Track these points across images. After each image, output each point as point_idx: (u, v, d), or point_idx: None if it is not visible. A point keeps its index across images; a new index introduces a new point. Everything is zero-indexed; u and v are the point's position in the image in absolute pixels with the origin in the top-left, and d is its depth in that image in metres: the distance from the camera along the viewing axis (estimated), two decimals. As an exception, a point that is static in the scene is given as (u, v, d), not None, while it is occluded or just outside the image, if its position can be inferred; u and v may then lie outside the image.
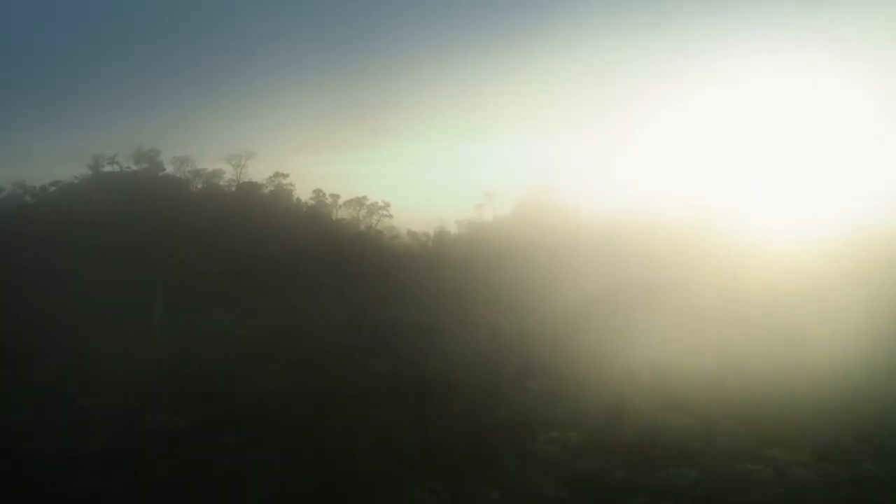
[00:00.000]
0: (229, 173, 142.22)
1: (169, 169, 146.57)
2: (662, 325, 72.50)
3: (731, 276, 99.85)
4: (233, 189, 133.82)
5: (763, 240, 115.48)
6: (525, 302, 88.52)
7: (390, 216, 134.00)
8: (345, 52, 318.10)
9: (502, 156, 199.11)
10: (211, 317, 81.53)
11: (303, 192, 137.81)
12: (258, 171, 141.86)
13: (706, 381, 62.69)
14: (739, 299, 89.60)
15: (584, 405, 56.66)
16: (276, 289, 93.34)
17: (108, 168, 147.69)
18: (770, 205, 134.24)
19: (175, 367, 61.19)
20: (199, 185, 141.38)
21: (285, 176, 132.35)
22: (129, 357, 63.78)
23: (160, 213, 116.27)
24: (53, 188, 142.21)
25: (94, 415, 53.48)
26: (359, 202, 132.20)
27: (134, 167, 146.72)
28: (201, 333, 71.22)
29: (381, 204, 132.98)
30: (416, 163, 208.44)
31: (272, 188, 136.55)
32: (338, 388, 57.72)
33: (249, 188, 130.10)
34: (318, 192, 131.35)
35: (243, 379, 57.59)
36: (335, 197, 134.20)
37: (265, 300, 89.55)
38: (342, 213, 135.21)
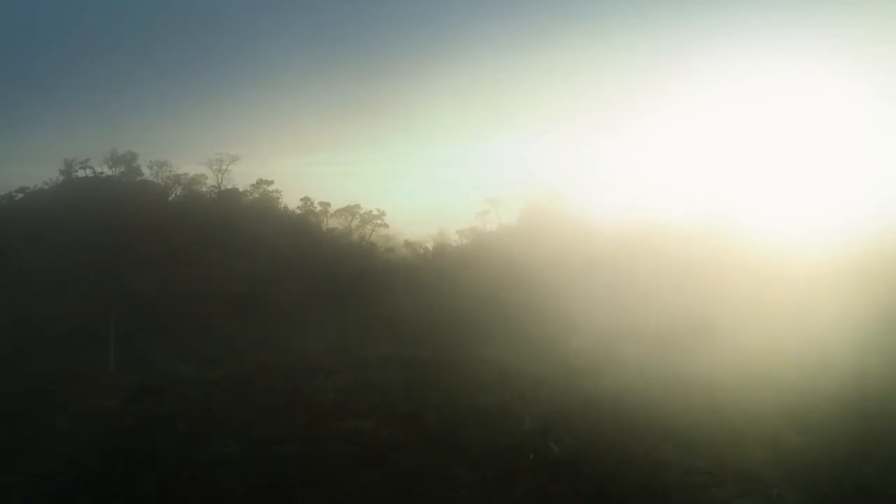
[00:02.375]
0: (212, 179, 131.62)
1: (147, 174, 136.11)
2: (707, 362, 61.73)
3: (760, 288, 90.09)
4: (213, 197, 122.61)
5: (781, 247, 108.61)
6: (538, 330, 77.70)
7: (386, 226, 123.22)
8: (338, 49, 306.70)
9: (505, 159, 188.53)
10: (177, 350, 70.77)
11: (291, 199, 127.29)
12: (245, 175, 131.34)
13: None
14: (772, 312, 79.66)
15: (616, 467, 45.88)
16: (252, 316, 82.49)
17: (80, 173, 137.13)
18: (784, 208, 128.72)
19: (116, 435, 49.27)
20: (178, 192, 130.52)
21: (270, 183, 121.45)
22: (64, 413, 52.84)
23: (131, 227, 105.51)
24: (20, 195, 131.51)
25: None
26: (351, 211, 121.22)
27: (109, 172, 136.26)
28: (159, 377, 60.17)
29: (375, 212, 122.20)
30: (414, 166, 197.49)
31: (257, 195, 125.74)
32: (311, 455, 46.75)
33: (230, 196, 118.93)
34: (306, 200, 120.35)
35: (191, 448, 46.46)
36: (325, 205, 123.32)
37: (240, 328, 78.72)
38: (333, 223, 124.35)
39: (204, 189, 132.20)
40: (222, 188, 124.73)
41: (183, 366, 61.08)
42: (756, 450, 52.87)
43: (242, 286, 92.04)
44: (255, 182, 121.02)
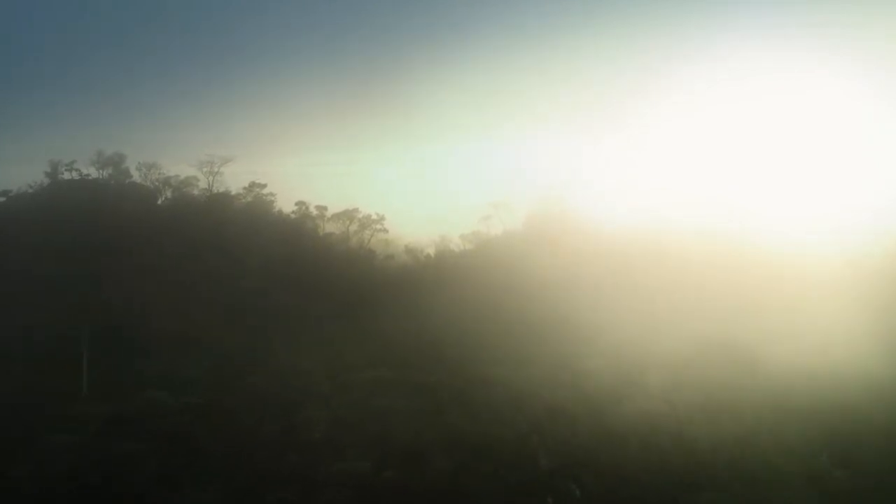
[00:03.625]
0: (204, 181, 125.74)
1: (135, 176, 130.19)
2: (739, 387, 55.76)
3: (786, 299, 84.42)
4: (203, 201, 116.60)
5: (801, 252, 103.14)
6: (550, 349, 71.77)
7: (385, 231, 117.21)
8: (335, 47, 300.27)
9: (508, 159, 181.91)
10: (157, 370, 64.92)
11: (287, 201, 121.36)
12: (239, 176, 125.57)
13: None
14: (803, 327, 73.98)
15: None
16: (241, 330, 76.69)
17: (66, 175, 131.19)
18: (798, 212, 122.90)
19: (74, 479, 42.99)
20: (168, 196, 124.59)
21: (263, 186, 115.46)
22: (21, 450, 46.76)
23: (115, 234, 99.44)
24: (2, 199, 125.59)
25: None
26: (349, 215, 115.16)
27: (95, 174, 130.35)
28: (134, 404, 54.11)
29: (374, 217, 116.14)
30: (413, 166, 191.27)
31: (250, 198, 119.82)
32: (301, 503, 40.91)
33: (221, 200, 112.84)
34: (301, 204, 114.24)
35: (163, 495, 40.46)
36: (322, 209, 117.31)
37: (228, 344, 72.84)
38: (330, 227, 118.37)
39: (196, 192, 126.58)
40: (214, 191, 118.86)
41: (161, 392, 55.00)
42: (799, 489, 47.23)
43: (232, 297, 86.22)
44: (247, 185, 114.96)
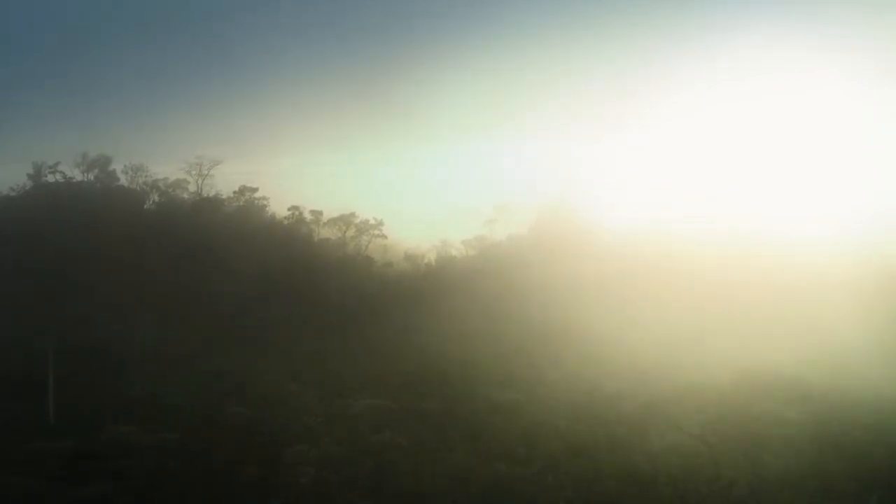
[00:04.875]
0: (193, 184, 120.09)
1: (122, 179, 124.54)
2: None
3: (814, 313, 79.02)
4: (191, 206, 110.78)
5: (816, 257, 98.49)
6: (562, 369, 66.12)
7: (384, 237, 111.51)
8: (332, 44, 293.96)
9: (511, 162, 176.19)
10: (132, 396, 59.08)
11: (281, 203, 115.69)
12: (231, 178, 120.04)
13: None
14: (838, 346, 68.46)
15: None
16: (229, 347, 70.95)
17: (50, 178, 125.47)
18: (803, 213, 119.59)
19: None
20: (155, 199, 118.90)
21: (254, 190, 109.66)
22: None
23: (97, 241, 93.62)
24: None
25: None
26: (345, 220, 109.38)
27: (80, 177, 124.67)
28: (102, 440, 48.18)
29: (372, 222, 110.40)
30: (413, 168, 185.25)
31: (242, 202, 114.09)
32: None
33: (210, 205, 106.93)
34: (294, 209, 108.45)
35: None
36: (317, 213, 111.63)
37: (213, 363, 67.07)
38: (326, 232, 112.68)
39: (185, 195, 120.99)
40: (203, 195, 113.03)
41: (131, 427, 49.02)
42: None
43: (219, 310, 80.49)
44: (237, 189, 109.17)
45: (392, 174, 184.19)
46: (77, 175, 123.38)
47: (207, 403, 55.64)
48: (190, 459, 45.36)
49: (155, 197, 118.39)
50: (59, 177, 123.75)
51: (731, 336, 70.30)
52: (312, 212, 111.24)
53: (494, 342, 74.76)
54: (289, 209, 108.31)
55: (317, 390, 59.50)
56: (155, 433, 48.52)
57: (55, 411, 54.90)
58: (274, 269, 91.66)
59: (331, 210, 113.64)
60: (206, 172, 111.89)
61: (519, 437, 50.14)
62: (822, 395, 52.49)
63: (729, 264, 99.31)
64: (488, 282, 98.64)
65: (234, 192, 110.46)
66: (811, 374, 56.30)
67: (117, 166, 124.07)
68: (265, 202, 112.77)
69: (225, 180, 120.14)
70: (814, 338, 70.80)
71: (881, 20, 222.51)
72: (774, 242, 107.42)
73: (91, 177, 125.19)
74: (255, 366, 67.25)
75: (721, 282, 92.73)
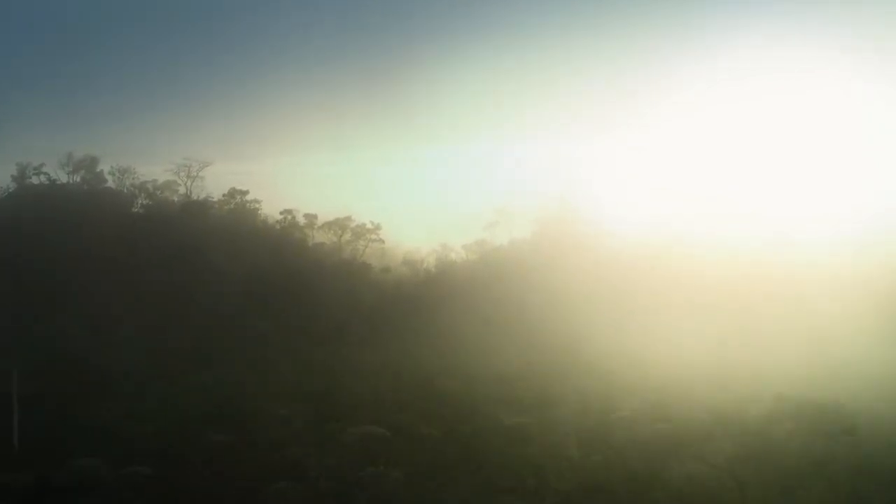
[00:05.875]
0: (183, 187, 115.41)
1: (110, 181, 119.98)
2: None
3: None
4: (178, 209, 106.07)
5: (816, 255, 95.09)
6: (569, 386, 61.45)
7: (381, 241, 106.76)
8: (329, 42, 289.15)
9: (512, 164, 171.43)
10: (103, 420, 54.44)
11: (274, 206, 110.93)
12: (224, 178, 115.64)
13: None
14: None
15: None
16: (217, 363, 66.43)
17: (35, 180, 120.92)
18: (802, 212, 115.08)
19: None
20: (143, 203, 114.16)
21: (244, 193, 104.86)
22: None
23: (78, 248, 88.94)
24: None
25: None
26: (341, 224, 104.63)
27: (66, 179, 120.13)
28: (64, 472, 43.50)
29: (369, 226, 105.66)
30: (412, 169, 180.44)
31: (233, 205, 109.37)
32: None
33: (197, 209, 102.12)
34: (286, 212, 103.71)
35: None
36: (311, 217, 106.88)
37: (193, 382, 62.50)
38: (321, 236, 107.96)
39: (175, 198, 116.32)
40: (192, 198, 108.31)
41: (101, 459, 44.22)
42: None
43: (206, 322, 75.84)
44: (227, 192, 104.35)
45: (390, 175, 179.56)
46: (62, 177, 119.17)
47: (185, 428, 50.96)
48: (159, 498, 40.74)
49: (143, 200, 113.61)
50: (43, 178, 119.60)
51: (750, 347, 65.89)
52: (306, 215, 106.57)
53: (498, 356, 70.00)
54: (280, 213, 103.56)
55: (305, 413, 54.75)
56: (124, 466, 43.84)
57: (20, 438, 50.31)
58: (264, 277, 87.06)
59: (326, 212, 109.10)
60: (194, 174, 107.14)
61: (527, 466, 45.62)
62: (865, 423, 47.62)
63: (739, 269, 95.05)
64: (490, 289, 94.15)
65: (224, 195, 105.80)
66: (841, 393, 51.56)
67: (105, 167, 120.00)
68: (257, 205, 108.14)
69: (217, 181, 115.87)
70: (837, 351, 66.38)
71: (881, 20, 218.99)
72: (781, 245, 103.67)
73: (77, 178, 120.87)
74: (241, 383, 62.65)
75: (734, 288, 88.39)
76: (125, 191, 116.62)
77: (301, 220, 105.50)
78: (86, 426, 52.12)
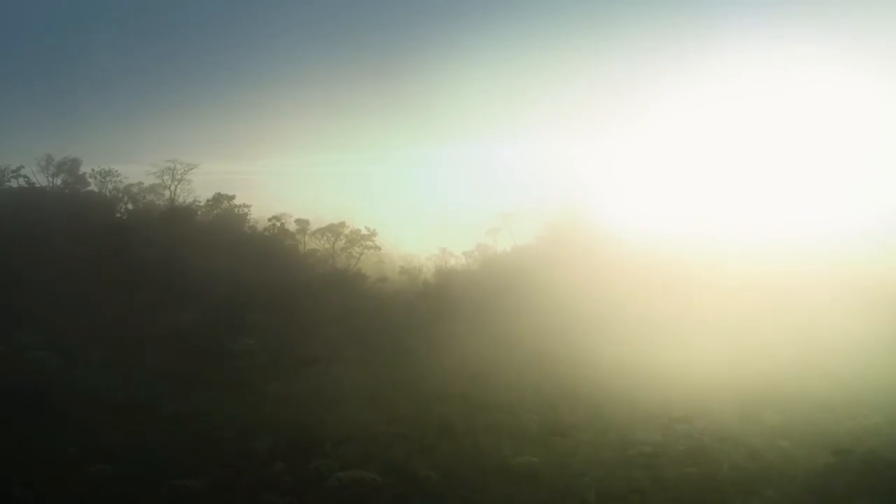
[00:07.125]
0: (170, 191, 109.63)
1: (92, 185, 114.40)
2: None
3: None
4: (161, 214, 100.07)
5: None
6: (580, 412, 55.58)
7: (378, 248, 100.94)
8: (327, 40, 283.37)
9: (514, 167, 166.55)
10: (63, 450, 48.39)
11: (266, 210, 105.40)
12: (216, 177, 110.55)
13: None
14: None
15: None
16: (198, 387, 60.22)
17: (13, 183, 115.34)
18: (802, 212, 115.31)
19: None
20: (127, 207, 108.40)
21: (231, 198, 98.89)
22: None
23: (52, 257, 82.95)
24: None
25: None
26: (334, 230, 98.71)
27: (45, 182, 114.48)
28: None
29: (365, 232, 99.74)
30: (411, 171, 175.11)
31: (220, 210, 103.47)
32: None
33: (180, 215, 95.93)
34: (275, 218, 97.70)
35: None
36: (304, 223, 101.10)
37: (168, 409, 56.42)
38: (313, 243, 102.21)
39: (161, 202, 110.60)
40: (176, 202, 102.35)
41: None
42: None
43: (185, 342, 69.66)
44: (212, 196, 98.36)
45: (388, 176, 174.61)
46: (41, 180, 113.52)
47: (150, 471, 44.84)
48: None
49: (126, 205, 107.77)
50: (22, 181, 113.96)
51: (772, 361, 59.98)
52: (298, 221, 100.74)
53: (502, 376, 64.21)
54: (269, 219, 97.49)
55: (288, 447, 48.71)
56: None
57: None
58: (251, 289, 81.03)
59: (320, 216, 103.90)
60: (179, 178, 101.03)
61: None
62: None
63: (756, 276, 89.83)
64: (493, 299, 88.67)
65: (209, 201, 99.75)
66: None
67: (87, 170, 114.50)
68: (246, 209, 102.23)
69: (207, 184, 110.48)
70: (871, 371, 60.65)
71: (881, 20, 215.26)
72: (788, 247, 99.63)
73: (58, 181, 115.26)
74: (218, 411, 56.46)
75: (755, 298, 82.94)
76: (107, 194, 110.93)
77: (292, 227, 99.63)
78: (43, 467, 45.79)
